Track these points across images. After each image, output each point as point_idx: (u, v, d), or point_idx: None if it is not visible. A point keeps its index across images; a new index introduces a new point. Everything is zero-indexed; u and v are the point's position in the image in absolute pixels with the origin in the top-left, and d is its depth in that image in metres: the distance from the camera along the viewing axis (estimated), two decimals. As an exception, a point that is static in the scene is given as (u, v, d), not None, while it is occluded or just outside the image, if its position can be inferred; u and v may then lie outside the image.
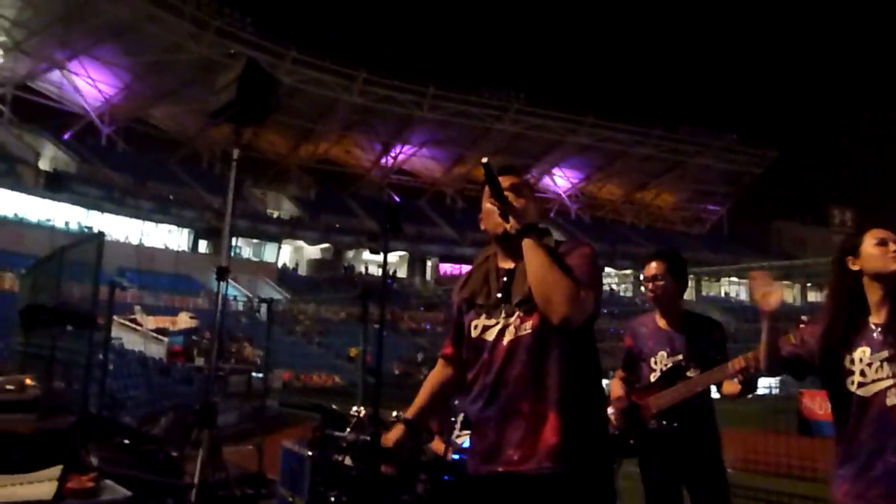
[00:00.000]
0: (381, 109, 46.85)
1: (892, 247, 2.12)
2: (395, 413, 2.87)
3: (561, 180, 57.88)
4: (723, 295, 47.02)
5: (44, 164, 37.50)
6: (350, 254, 47.56)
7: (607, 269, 32.65)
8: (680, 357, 2.95)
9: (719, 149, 55.26)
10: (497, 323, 1.95)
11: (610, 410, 3.00)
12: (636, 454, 3.01)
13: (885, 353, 2.05)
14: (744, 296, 46.15)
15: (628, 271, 51.03)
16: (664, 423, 2.87)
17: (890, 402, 2.02)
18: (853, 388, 2.09)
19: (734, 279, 46.66)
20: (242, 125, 4.95)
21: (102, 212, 36.18)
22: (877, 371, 2.06)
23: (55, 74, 40.19)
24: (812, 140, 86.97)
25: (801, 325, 2.34)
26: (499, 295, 1.97)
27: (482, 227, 2.09)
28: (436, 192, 55.29)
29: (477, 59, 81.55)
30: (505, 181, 1.99)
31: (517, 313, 1.92)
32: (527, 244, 1.88)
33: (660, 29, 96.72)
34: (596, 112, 51.33)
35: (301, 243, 46.29)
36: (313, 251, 46.74)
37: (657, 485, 2.94)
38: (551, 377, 1.86)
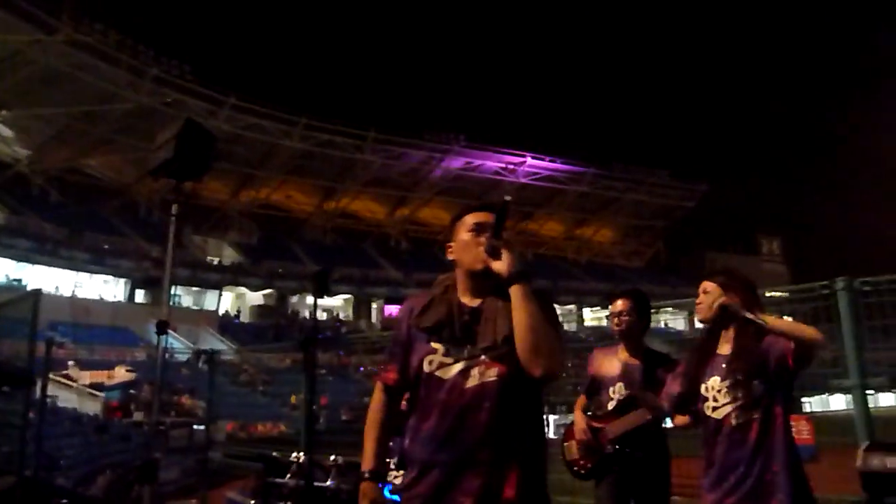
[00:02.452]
0: (322, 154, 46.94)
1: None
2: (332, 457, 3.00)
3: (503, 219, 58.73)
4: (662, 326, 48.29)
5: (-30, 217, 36.00)
6: (294, 299, 46.93)
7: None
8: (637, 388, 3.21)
9: (652, 184, 57.33)
10: (456, 362, 1.88)
11: (574, 439, 3.28)
12: (593, 476, 3.28)
13: (729, 381, 2.40)
14: (682, 326, 47.56)
15: (571, 307, 52.13)
16: (618, 447, 3.13)
17: (735, 422, 2.36)
18: (709, 413, 2.45)
19: (672, 311, 48.14)
20: (181, 181, 5.07)
21: (33, 263, 34.83)
22: (725, 396, 2.41)
23: (-19, 124, 38.90)
24: (740, 173, 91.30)
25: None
26: (459, 334, 1.90)
27: (452, 257, 2.00)
28: (380, 234, 55.38)
29: (416, 103, 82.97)
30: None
31: (482, 357, 1.86)
32: (518, 290, 1.82)
33: (590, 71, 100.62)
34: (533, 151, 52.80)
35: (243, 290, 45.42)
36: (256, 297, 45.93)
37: (606, 500, 3.18)
38: (513, 428, 1.83)
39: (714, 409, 2.44)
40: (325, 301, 48.37)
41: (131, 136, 37.80)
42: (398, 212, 54.87)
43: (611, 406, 3.26)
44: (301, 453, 3.06)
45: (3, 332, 5.97)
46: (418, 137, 49.05)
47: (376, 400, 2.08)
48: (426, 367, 1.92)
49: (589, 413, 3.37)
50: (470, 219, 1.97)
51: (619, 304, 3.35)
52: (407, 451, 1.94)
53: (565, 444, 3.39)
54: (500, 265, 1.85)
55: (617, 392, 3.27)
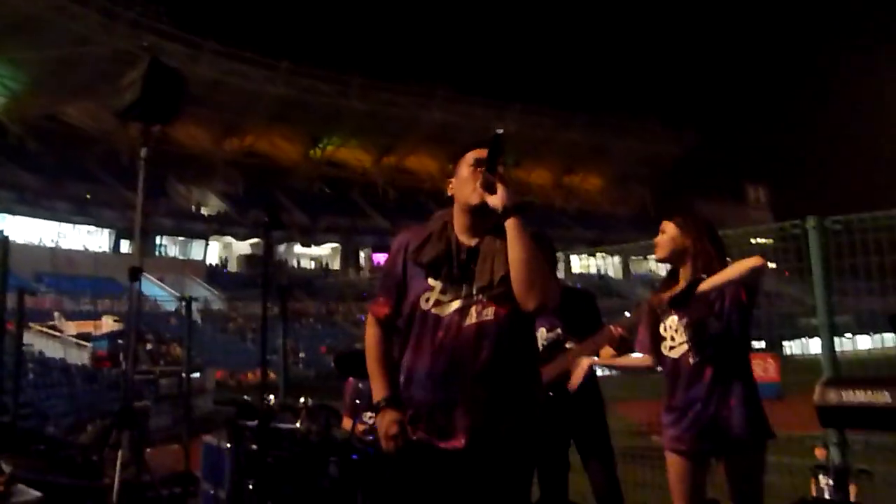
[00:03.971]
0: (306, 101, 46.13)
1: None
2: (301, 399, 3.01)
3: (491, 167, 58.52)
4: (649, 271, 48.84)
5: (-53, 168, 35.34)
6: (281, 248, 46.84)
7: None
8: (559, 331, 3.18)
9: (641, 132, 57.05)
10: (452, 300, 1.87)
11: None
12: None
13: (685, 320, 2.41)
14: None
15: (559, 254, 52.31)
16: (551, 393, 3.10)
17: (692, 360, 2.38)
18: (667, 352, 2.45)
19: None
20: (149, 124, 4.92)
21: (14, 214, 34.41)
22: (681, 335, 2.41)
23: (-45, 71, 37.83)
24: (728, 122, 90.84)
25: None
26: (457, 272, 1.89)
27: (450, 192, 1.98)
28: (367, 183, 54.99)
29: (400, 49, 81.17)
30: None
31: (479, 296, 1.86)
32: (514, 224, 1.82)
33: (581, 17, 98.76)
34: (521, 99, 52.20)
35: (230, 239, 45.25)
36: (243, 247, 45.79)
37: (546, 449, 3.18)
38: (509, 367, 1.86)
39: (671, 348, 2.46)
40: (313, 250, 48.37)
41: (108, 83, 36.83)
42: (385, 160, 54.36)
43: None
44: (271, 397, 3.07)
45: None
46: (403, 83, 48.28)
47: (371, 335, 2.05)
48: (423, 305, 1.91)
49: None
50: (471, 155, 1.95)
51: None
52: (401, 390, 1.94)
53: None
54: (495, 199, 1.83)
55: (539, 337, 3.14)
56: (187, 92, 5.76)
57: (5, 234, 30.59)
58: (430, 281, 1.90)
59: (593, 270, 53.33)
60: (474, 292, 1.86)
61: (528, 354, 1.97)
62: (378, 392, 1.99)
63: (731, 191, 63.78)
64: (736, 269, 2.31)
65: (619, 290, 43.34)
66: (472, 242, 1.92)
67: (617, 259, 51.45)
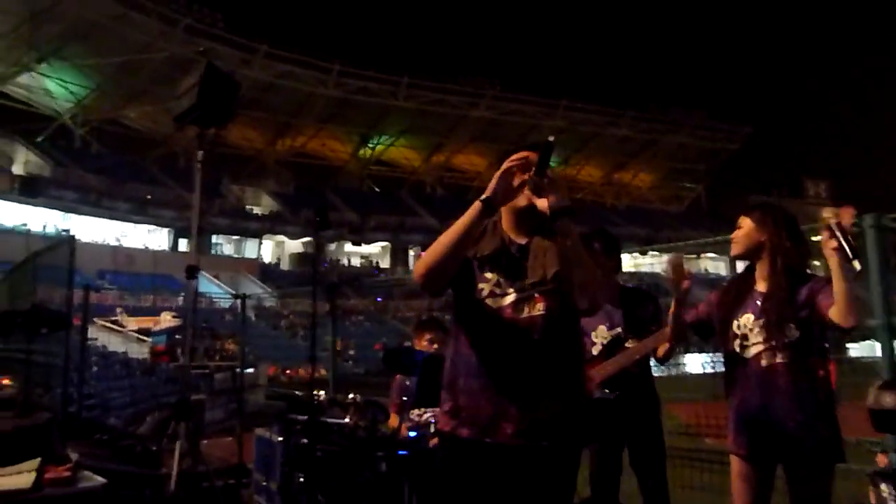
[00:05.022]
0: (356, 101, 46.67)
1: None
2: (350, 395, 3.07)
3: (539, 164, 58.11)
4: (703, 271, 47.71)
5: (17, 169, 37.06)
6: (332, 246, 47.54)
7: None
8: (618, 330, 3.15)
9: (693, 126, 55.72)
10: (505, 295, 1.93)
11: None
12: None
13: (762, 320, 2.30)
14: (723, 271, 46.87)
15: (609, 252, 51.53)
16: (606, 391, 3.09)
17: (765, 363, 2.28)
18: (738, 350, 2.35)
19: (713, 255, 47.36)
20: (205, 128, 5.09)
21: (79, 214, 35.89)
22: (757, 335, 2.31)
23: (25, 77, 39.61)
24: (785, 114, 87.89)
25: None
26: (512, 268, 1.94)
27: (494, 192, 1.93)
28: (415, 182, 55.30)
29: (450, 48, 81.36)
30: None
31: (531, 292, 1.91)
32: (564, 227, 1.85)
33: (630, 10, 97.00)
34: (569, 95, 51.60)
35: (282, 238, 46.16)
36: (295, 245, 46.65)
37: (601, 449, 3.16)
38: (556, 360, 1.90)
39: (744, 347, 2.34)
40: (363, 248, 48.94)
41: (166, 87, 38.07)
42: (434, 158, 54.55)
43: (595, 351, 3.18)
44: (321, 392, 3.15)
45: (44, 278, 6.18)
46: (453, 83, 48.33)
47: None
48: (478, 295, 1.95)
49: None
50: (517, 157, 1.96)
51: None
52: (450, 378, 1.97)
53: None
54: (543, 202, 1.87)
55: (599, 336, 3.18)
56: (240, 96, 5.93)
57: (71, 233, 31.95)
58: (487, 273, 1.95)
59: (645, 269, 52.52)
60: (528, 287, 1.91)
61: (576, 350, 2.01)
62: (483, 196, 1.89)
63: (788, 186, 61.79)
64: (846, 300, 2.08)
65: (669, 290, 42.34)
66: (523, 241, 1.96)
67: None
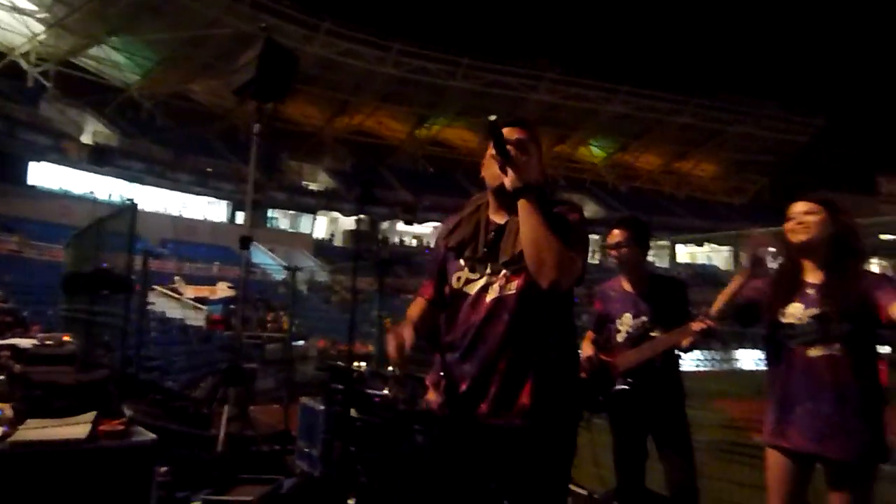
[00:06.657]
0: (415, 81, 46.70)
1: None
2: (390, 368, 3.12)
3: (597, 150, 57.16)
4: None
5: (86, 139, 38.51)
6: (385, 225, 47.97)
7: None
8: (645, 319, 3.10)
9: (761, 117, 53.72)
10: (480, 278, 1.95)
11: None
12: (606, 410, 3.18)
13: (814, 311, 2.23)
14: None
15: (665, 242, 50.65)
16: (630, 381, 3.06)
17: (812, 354, 2.20)
18: (785, 340, 2.28)
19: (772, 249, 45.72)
20: (264, 102, 5.21)
21: (144, 184, 37.16)
22: (805, 326, 2.23)
23: (95, 49, 40.99)
24: (861, 107, 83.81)
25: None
26: (485, 250, 1.97)
27: (482, 174, 2.07)
28: (472, 164, 55.12)
29: (509, 29, 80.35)
30: (511, 133, 1.98)
31: (503, 272, 1.92)
32: (523, 204, 1.86)
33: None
34: (632, 81, 50.36)
35: (337, 214, 46.81)
36: (349, 222, 47.27)
37: (624, 438, 3.14)
38: (531, 339, 1.90)
39: (791, 337, 2.28)
40: (415, 228, 49.22)
41: (229, 62, 38.81)
42: (490, 141, 54.21)
43: (620, 338, 3.15)
44: (362, 363, 3.21)
45: (109, 244, 6.45)
46: (512, 65, 47.82)
47: (415, 304, 2.19)
48: (454, 284, 2.02)
49: (598, 349, 3.27)
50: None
51: (616, 235, 3.18)
52: (439, 364, 2.06)
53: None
54: (507, 180, 1.89)
55: (625, 324, 3.14)
56: (300, 71, 6.02)
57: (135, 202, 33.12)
58: (461, 262, 2.01)
59: (702, 260, 51.22)
60: (499, 268, 1.93)
61: (555, 328, 1.95)
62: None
63: (860, 183, 59.09)
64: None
65: (725, 282, 41.28)
66: (502, 220, 1.98)
67: (726, 250, 48.98)
